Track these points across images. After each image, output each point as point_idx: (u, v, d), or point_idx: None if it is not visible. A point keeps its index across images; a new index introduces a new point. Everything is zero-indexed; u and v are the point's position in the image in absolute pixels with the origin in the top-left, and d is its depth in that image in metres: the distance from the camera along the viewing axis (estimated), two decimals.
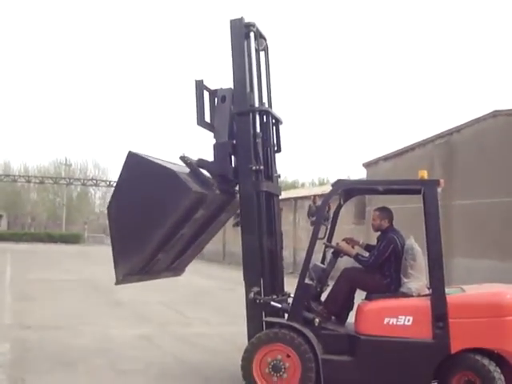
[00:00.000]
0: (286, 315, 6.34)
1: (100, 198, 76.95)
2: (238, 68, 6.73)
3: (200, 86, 6.92)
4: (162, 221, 6.58)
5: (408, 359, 5.76)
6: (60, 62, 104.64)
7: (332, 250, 6.75)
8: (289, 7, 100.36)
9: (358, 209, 21.61)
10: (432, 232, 5.98)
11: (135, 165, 6.84)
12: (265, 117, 6.97)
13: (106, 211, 7.82)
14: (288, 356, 5.90)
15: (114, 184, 8.29)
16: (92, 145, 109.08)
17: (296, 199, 28.12)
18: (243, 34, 6.78)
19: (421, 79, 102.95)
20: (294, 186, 61.99)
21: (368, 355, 5.86)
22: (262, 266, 6.56)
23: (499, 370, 5.56)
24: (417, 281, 6.05)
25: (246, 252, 6.63)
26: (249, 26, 6.81)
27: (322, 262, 6.88)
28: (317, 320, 6.06)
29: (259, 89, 7.11)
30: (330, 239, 6.92)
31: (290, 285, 6.73)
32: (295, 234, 25.95)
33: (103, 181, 64.96)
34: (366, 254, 6.53)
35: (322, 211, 6.41)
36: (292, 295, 6.45)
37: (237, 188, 6.94)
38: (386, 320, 5.83)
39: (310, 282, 6.36)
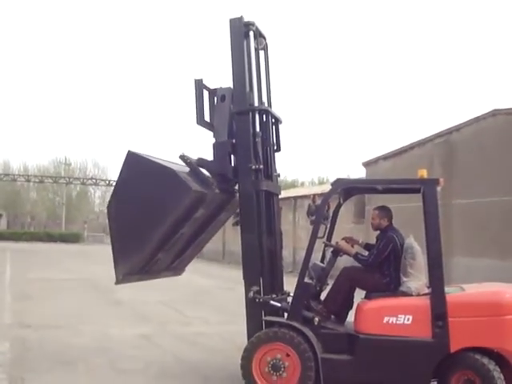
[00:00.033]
0: (286, 314, 6.35)
1: (99, 197, 77.05)
2: (238, 67, 6.73)
3: (199, 85, 6.92)
4: (162, 220, 6.58)
5: (407, 358, 5.77)
6: (60, 62, 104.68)
7: (331, 249, 6.75)
8: (288, 6, 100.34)
9: (357, 208, 21.62)
10: (431, 231, 5.98)
11: (135, 164, 6.84)
12: (264, 116, 6.97)
13: (105, 210, 7.83)
14: (287, 355, 5.90)
15: (114, 183, 8.30)
16: (91, 144, 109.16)
17: (296, 198, 28.12)
18: (243, 33, 6.77)
19: (420, 78, 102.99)
20: (293, 185, 61.98)
21: (367, 354, 5.86)
22: (261, 265, 6.56)
23: (499, 369, 5.56)
24: (416, 280, 6.06)
25: (246, 251, 6.64)
26: (248, 25, 6.81)
27: (322, 261, 6.88)
28: (316, 319, 6.06)
29: (259, 88, 7.11)
30: (329, 238, 6.92)
31: (290, 284, 6.73)
32: (295, 233, 25.95)
33: (103, 180, 64.99)
34: (366, 253, 6.53)
35: (321, 210, 6.40)
36: (291, 294, 6.45)
37: (236, 187, 6.94)
38: (386, 319, 5.83)
39: (310, 281, 6.36)
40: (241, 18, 6.76)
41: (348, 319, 6.46)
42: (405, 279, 6.06)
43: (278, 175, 7.27)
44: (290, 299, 6.52)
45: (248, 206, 6.64)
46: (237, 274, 7.59)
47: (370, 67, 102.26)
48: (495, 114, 16.58)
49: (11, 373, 6.87)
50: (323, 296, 6.64)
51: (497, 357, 5.64)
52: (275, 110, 7.17)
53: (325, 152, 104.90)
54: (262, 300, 6.41)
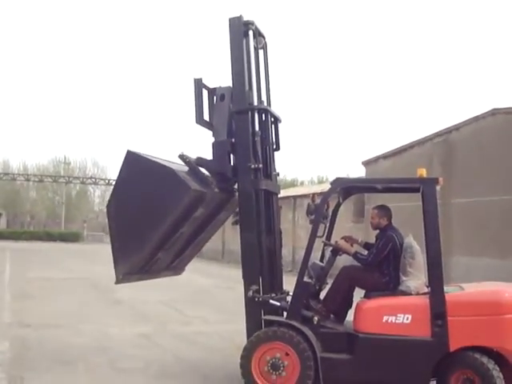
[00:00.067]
0: (285, 313, 6.35)
1: (99, 197, 76.98)
2: (237, 66, 6.73)
3: (199, 85, 6.92)
4: (162, 219, 6.58)
5: (407, 357, 5.77)
6: (59, 61, 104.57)
7: (331, 248, 6.75)
8: (288, 5, 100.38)
9: (356, 207, 21.63)
10: (431, 230, 5.98)
11: (134, 164, 6.84)
12: (264, 115, 6.97)
13: (105, 210, 7.83)
14: (287, 354, 5.91)
15: (113, 182, 8.31)
16: (91, 143, 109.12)
17: (295, 197, 28.11)
18: (242, 32, 6.77)
19: (420, 77, 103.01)
20: (293, 184, 61.99)
21: (367, 353, 5.87)
22: (260, 265, 6.56)
23: (498, 368, 5.56)
24: (416, 279, 6.06)
25: (245, 250, 6.64)
26: (248, 25, 6.81)
27: (321, 260, 6.88)
28: (316, 318, 6.06)
29: (258, 87, 7.11)
30: (328, 237, 6.92)
31: (289, 283, 6.73)
32: (294, 233, 25.96)
33: (102, 179, 64.98)
34: (365, 253, 6.53)
35: (320, 209, 6.40)
36: (291, 293, 6.45)
37: (236, 186, 6.94)
38: (385, 318, 5.83)
39: (309, 281, 6.36)
40: (240, 18, 6.76)
41: (347, 318, 6.46)
42: (404, 278, 6.07)
43: (278, 174, 7.27)
44: (289, 298, 6.52)
45: (247, 205, 6.64)
46: (236, 273, 7.60)
47: (369, 66, 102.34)
48: (494, 113, 16.60)
49: (11, 372, 6.87)
50: (322, 295, 6.65)
51: (496, 356, 5.64)
52: (274, 109, 7.17)
53: (324, 151, 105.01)
54: (262, 299, 6.41)
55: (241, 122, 6.73)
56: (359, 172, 24.95)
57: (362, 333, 5.91)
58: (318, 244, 6.52)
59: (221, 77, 7.13)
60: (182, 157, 6.76)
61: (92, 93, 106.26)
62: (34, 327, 9.80)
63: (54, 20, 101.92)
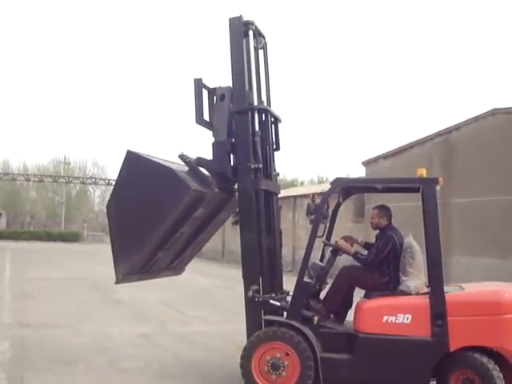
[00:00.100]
0: (285, 313, 6.35)
1: (99, 197, 76.98)
2: (237, 66, 6.73)
3: (199, 85, 6.92)
4: (162, 219, 6.58)
5: (407, 357, 5.77)
6: (59, 60, 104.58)
7: (331, 248, 6.75)
8: (287, 5, 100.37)
9: (356, 207, 21.63)
10: (431, 230, 5.98)
11: (134, 164, 6.84)
12: (264, 115, 6.97)
13: (105, 210, 7.82)
14: (287, 354, 5.91)
15: (113, 182, 8.30)
16: (91, 143, 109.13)
17: (295, 197, 28.12)
18: (242, 32, 6.77)
19: (420, 77, 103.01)
20: (293, 184, 61.98)
21: (367, 353, 5.87)
22: (260, 265, 6.56)
23: (498, 368, 5.56)
24: (415, 279, 6.06)
25: (245, 250, 6.64)
26: (248, 24, 6.81)
27: (321, 260, 6.88)
28: (316, 318, 6.06)
29: (258, 87, 7.11)
30: (328, 237, 6.92)
31: (289, 283, 6.73)
32: (294, 233, 25.96)
33: (102, 179, 64.99)
34: (365, 252, 6.53)
35: (320, 209, 6.40)
36: (291, 293, 6.45)
37: (236, 186, 6.94)
38: (385, 318, 5.83)
39: (309, 280, 6.36)
40: (240, 18, 6.76)
41: (347, 318, 6.46)
42: (404, 278, 6.07)
43: (278, 174, 7.27)
44: (289, 298, 6.52)
45: (247, 205, 6.64)
46: (236, 273, 7.60)
47: (369, 66, 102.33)
48: (494, 113, 16.60)
49: (10, 372, 6.87)
50: (322, 295, 6.64)
51: (496, 356, 5.63)
52: (274, 109, 7.17)
53: (324, 151, 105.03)
54: (262, 299, 6.41)
55: (241, 121, 6.73)
56: (359, 172, 24.97)
57: (362, 333, 5.91)
58: (318, 244, 6.52)
59: (221, 77, 7.14)
60: (181, 157, 6.76)
61: (92, 93, 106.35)
62: (34, 327, 9.80)
63: (54, 20, 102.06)
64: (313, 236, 6.25)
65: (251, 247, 6.57)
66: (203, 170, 6.91)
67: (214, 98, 7.02)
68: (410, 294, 5.98)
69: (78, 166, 74.33)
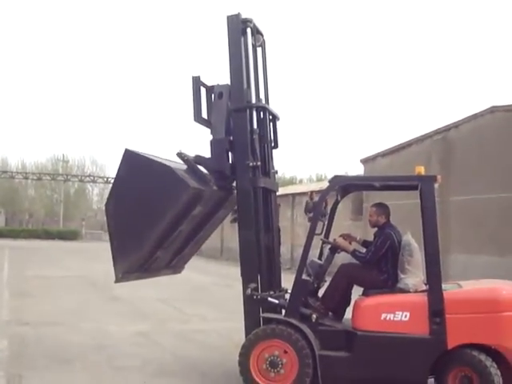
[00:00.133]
0: (284, 311, 6.36)
1: (98, 195, 76.84)
2: (235, 64, 6.72)
3: (197, 83, 6.90)
4: (160, 218, 6.58)
5: (405, 355, 5.77)
6: (57, 59, 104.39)
7: (329, 245, 6.75)
8: (285, 3, 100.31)
9: (355, 205, 21.63)
10: (429, 228, 5.99)
11: (132, 162, 6.83)
12: (262, 113, 6.97)
13: (103, 208, 7.82)
14: (285, 352, 5.91)
15: (112, 181, 8.30)
16: (89, 141, 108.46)
17: (294, 195, 28.13)
18: (240, 30, 6.76)
19: (418, 75, 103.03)
20: (291, 182, 61.98)
21: (365, 351, 5.87)
22: (259, 262, 6.56)
23: (496, 366, 5.57)
24: (414, 277, 6.07)
25: (244, 248, 6.64)
26: (246, 22, 6.80)
27: (320, 257, 6.89)
28: (314, 316, 6.07)
29: (256, 85, 7.10)
30: (327, 235, 6.93)
31: (288, 281, 6.73)
32: (293, 230, 25.98)
33: (101, 177, 64.95)
34: (363, 250, 6.53)
35: (319, 207, 6.41)
36: (289, 291, 6.46)
37: (234, 184, 6.94)
38: (383, 316, 5.84)
39: (308, 278, 6.36)
40: (238, 15, 6.75)
41: (346, 316, 6.47)
42: (402, 276, 6.07)
43: (276, 172, 7.27)
44: (287, 296, 6.52)
45: (246, 202, 6.64)
46: (235, 271, 7.61)
47: (368, 64, 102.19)
48: (493, 110, 16.60)
49: (9, 370, 6.87)
50: (321, 293, 6.65)
51: (494, 353, 5.64)
52: (273, 106, 7.17)
53: (323, 149, 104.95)
54: (260, 297, 6.41)
55: (239, 119, 6.73)
56: (357, 170, 24.97)
57: (360, 330, 5.92)
58: (317, 242, 6.53)
59: (219, 75, 7.13)
60: (180, 155, 6.75)
61: (90, 91, 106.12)
62: (33, 325, 9.80)
63: (52, 18, 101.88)
64: (311, 234, 6.26)
65: (249, 245, 6.57)
66: (201, 168, 6.90)
67: (212, 95, 7.01)
68: (409, 292, 5.99)
69: (77, 164, 74.29)
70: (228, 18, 6.77)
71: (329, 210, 6.88)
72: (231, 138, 6.80)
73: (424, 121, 79.94)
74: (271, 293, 6.49)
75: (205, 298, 14.77)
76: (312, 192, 6.84)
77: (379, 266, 6.29)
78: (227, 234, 31.36)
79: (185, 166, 6.80)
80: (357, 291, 6.46)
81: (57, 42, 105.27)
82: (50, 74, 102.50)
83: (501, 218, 15.83)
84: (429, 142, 18.79)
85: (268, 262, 6.71)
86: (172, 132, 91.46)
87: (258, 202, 6.62)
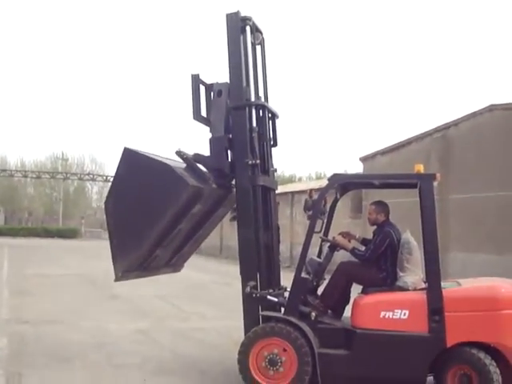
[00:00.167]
0: (283, 309, 6.36)
1: (97, 193, 76.91)
2: (234, 62, 6.72)
3: (196, 81, 6.90)
4: (160, 216, 6.57)
5: (404, 353, 5.78)
6: (56, 57, 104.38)
7: (328, 243, 6.76)
8: (284, 1, 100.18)
9: (354, 203, 21.63)
10: (428, 226, 5.99)
11: (131, 161, 6.83)
12: (261, 111, 6.96)
13: (103, 206, 7.82)
14: (284, 350, 5.92)
15: (111, 179, 8.29)
16: (89, 139, 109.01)
17: (293, 193, 28.12)
18: (239, 27, 6.76)
19: (418, 73, 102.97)
20: (291, 180, 61.95)
21: (364, 349, 5.88)
22: (258, 260, 6.56)
23: (495, 364, 5.58)
24: (413, 275, 6.07)
25: (243, 246, 6.64)
26: (245, 20, 6.80)
27: (319, 255, 6.89)
28: (313, 314, 6.08)
29: (255, 83, 7.09)
30: (326, 233, 6.93)
31: (287, 279, 6.74)
32: (292, 228, 25.97)
33: (100, 175, 64.92)
34: (363, 248, 6.54)
35: (318, 205, 6.41)
36: (288, 289, 6.46)
37: (233, 182, 6.94)
38: (382, 314, 5.84)
39: (307, 276, 6.37)
40: (237, 13, 6.74)
41: (345, 314, 6.48)
42: (401, 274, 6.08)
43: (275, 170, 7.27)
44: (286, 294, 6.52)
45: (245, 201, 6.64)
46: (234, 269, 7.61)
47: (367, 62, 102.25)
48: (492, 109, 16.59)
49: (8, 368, 6.87)
50: (320, 291, 6.65)
51: (493, 351, 5.65)
52: (272, 104, 7.17)
53: (322, 147, 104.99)
54: (259, 295, 6.41)
55: (238, 117, 6.72)
56: (357, 168, 24.95)
57: (359, 328, 5.93)
58: (316, 240, 6.53)
59: (218, 72, 7.13)
60: (179, 153, 6.74)
61: (90, 89, 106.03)
62: (32, 323, 9.80)
63: (51, 16, 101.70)
64: (310, 232, 6.26)
65: (249, 243, 6.57)
66: (200, 167, 6.90)
67: (212, 93, 7.00)
68: (408, 290, 5.99)
69: (76, 163, 74.26)
70: (227, 16, 6.76)
71: (328, 208, 6.89)
72: (230, 136, 6.80)
73: (423, 119, 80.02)
74: (270, 291, 6.49)
75: (204, 296, 14.78)
76: (311, 190, 6.83)
77: (378, 264, 6.30)
78: (226, 232, 31.35)
79: (184, 165, 6.80)
80: (356, 289, 6.46)
81: (56, 40, 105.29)
82: (49, 72, 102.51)
83: (499, 217, 15.83)
84: (428, 140, 18.78)
85: (267, 260, 6.71)
86: (171, 130, 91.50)
87: (257, 200, 6.62)
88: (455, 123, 17.98)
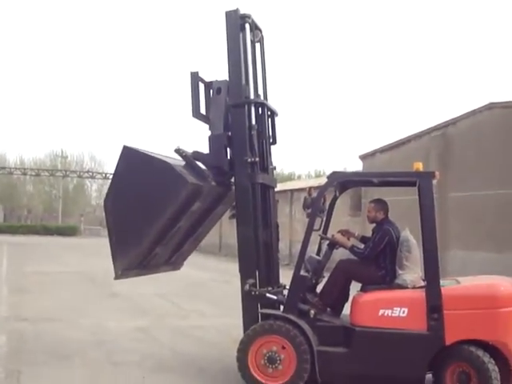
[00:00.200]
0: (282, 307, 6.36)
1: (96, 191, 76.90)
2: (234, 60, 6.71)
3: (195, 78, 6.90)
4: (159, 214, 6.57)
5: (403, 351, 5.78)
6: (56, 54, 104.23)
7: (327, 241, 6.76)
8: None
9: (353, 201, 21.64)
10: (427, 224, 5.99)
11: (130, 159, 6.82)
12: (260, 109, 6.96)
13: (102, 203, 7.82)
14: (283, 348, 5.92)
15: (111, 176, 8.29)
16: (88, 137, 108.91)
17: (292, 191, 28.12)
18: (239, 25, 6.75)
19: (417, 71, 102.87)
20: (290, 178, 61.93)
21: (363, 347, 5.88)
22: (257, 258, 6.56)
23: (493, 362, 5.58)
24: (412, 272, 6.07)
25: (242, 244, 6.64)
26: (244, 18, 6.79)
27: (318, 253, 6.89)
28: (312, 312, 6.08)
29: (254, 81, 7.08)
30: (325, 231, 6.92)
31: (286, 277, 6.74)
32: (291, 226, 25.98)
33: (99, 173, 64.84)
34: (362, 246, 6.54)
35: (317, 203, 6.41)
36: (287, 287, 6.46)
37: (233, 180, 6.94)
38: (381, 312, 5.85)
39: (306, 274, 6.37)
40: (237, 11, 6.74)
41: (344, 312, 6.48)
42: (400, 272, 6.08)
43: (274, 168, 7.27)
44: (285, 292, 6.52)
45: (244, 198, 6.64)
46: (233, 267, 7.61)
47: (366, 60, 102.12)
48: (491, 107, 16.60)
49: (7, 366, 6.87)
50: (319, 289, 6.66)
51: (492, 349, 5.66)
52: (271, 102, 7.16)
53: (321, 145, 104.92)
54: (258, 293, 6.42)
55: (237, 115, 6.72)
56: (356, 166, 24.95)
57: (358, 326, 5.93)
58: (315, 238, 6.53)
59: (217, 70, 7.12)
60: (178, 151, 6.74)
61: (89, 87, 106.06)
62: (31, 321, 9.80)
63: (50, 14, 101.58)
64: (309, 230, 6.26)
65: (248, 241, 6.57)
66: (200, 164, 6.89)
67: (211, 91, 7.00)
68: (407, 288, 6.00)
69: (75, 160, 74.21)
70: (226, 13, 6.76)
71: (327, 206, 6.89)
72: (229, 133, 6.80)
73: (423, 117, 79.98)
74: (269, 289, 6.50)
75: (203, 294, 14.79)
76: (310, 188, 6.84)
77: (377, 261, 6.30)
78: (226, 230, 31.37)
79: (183, 162, 6.80)
80: (355, 287, 6.46)
81: (55, 38, 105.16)
82: (48, 70, 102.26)
83: (498, 215, 15.84)
84: (427, 138, 18.79)
85: (266, 258, 6.71)
86: (170, 128, 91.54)
87: (256, 197, 6.62)
88: (454, 121, 17.99)
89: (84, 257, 27.15)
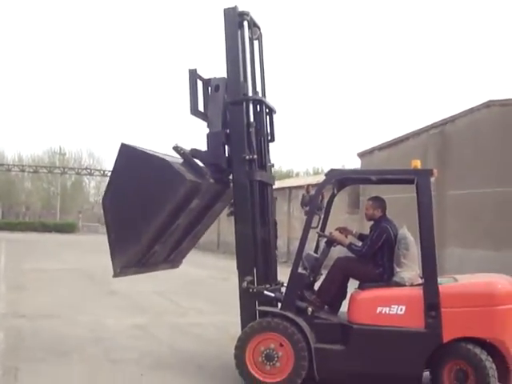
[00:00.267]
0: (279, 304, 6.37)
1: (94, 188, 76.88)
2: (232, 57, 6.70)
3: (193, 76, 6.89)
4: (158, 211, 6.56)
5: (400, 348, 5.79)
6: (54, 52, 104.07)
7: (325, 239, 6.76)
8: None
9: (351, 198, 21.66)
10: (425, 222, 5.99)
11: (128, 156, 6.82)
12: (258, 106, 6.96)
13: (100, 200, 7.81)
14: (281, 345, 5.93)
15: (109, 173, 8.28)
16: (86, 134, 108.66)
17: (290, 189, 28.13)
18: (237, 22, 6.74)
19: (415, 69, 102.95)
20: (288, 175, 61.97)
21: (361, 344, 5.89)
22: (255, 256, 6.57)
23: (491, 359, 5.59)
24: (409, 270, 6.08)
25: (240, 241, 6.64)
26: (242, 15, 6.78)
27: (316, 251, 6.90)
28: (310, 309, 6.08)
29: (253, 78, 7.08)
30: (323, 228, 6.93)
31: (284, 274, 6.74)
32: (289, 224, 25.98)
33: (98, 170, 64.81)
34: (359, 244, 6.54)
35: (315, 200, 6.42)
36: (285, 284, 6.46)
37: (231, 177, 6.93)
38: (379, 309, 5.85)
39: (303, 272, 6.38)
40: (235, 8, 6.72)
41: (341, 309, 6.49)
42: (398, 269, 6.08)
43: (273, 165, 7.27)
44: (283, 289, 6.53)
45: (242, 196, 6.64)
46: (231, 265, 7.60)
47: (365, 58, 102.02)
48: (489, 105, 16.61)
49: (5, 363, 6.88)
50: (317, 286, 6.66)
51: (489, 347, 5.67)
52: (269, 100, 7.15)
53: (320, 142, 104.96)
54: (256, 290, 6.42)
55: (235, 112, 6.71)
56: (354, 163, 24.95)
57: (355, 324, 5.94)
58: (313, 235, 6.53)
59: (216, 68, 7.12)
60: (176, 148, 6.73)
61: (87, 84, 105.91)
62: (29, 318, 9.81)
63: (49, 13, 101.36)
64: (307, 227, 6.26)
65: (246, 238, 6.57)
66: (198, 162, 6.89)
67: (209, 88, 6.99)
68: (404, 285, 6.00)
69: (74, 157, 74.17)
70: (225, 10, 6.74)
71: (325, 204, 6.89)
72: (227, 131, 6.79)
73: (421, 115, 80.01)
74: (267, 286, 6.50)
75: (201, 291, 14.79)
76: (308, 185, 6.86)
77: (375, 259, 6.30)
78: (224, 227, 31.37)
79: (181, 160, 6.79)
80: (353, 284, 6.47)
81: (53, 36, 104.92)
82: (46, 67, 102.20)
83: (496, 213, 15.86)
84: (425, 135, 18.80)
85: (264, 256, 6.71)
86: (168, 125, 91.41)
87: (254, 195, 6.62)
88: (453, 119, 18.00)
89: (82, 254, 27.13)
